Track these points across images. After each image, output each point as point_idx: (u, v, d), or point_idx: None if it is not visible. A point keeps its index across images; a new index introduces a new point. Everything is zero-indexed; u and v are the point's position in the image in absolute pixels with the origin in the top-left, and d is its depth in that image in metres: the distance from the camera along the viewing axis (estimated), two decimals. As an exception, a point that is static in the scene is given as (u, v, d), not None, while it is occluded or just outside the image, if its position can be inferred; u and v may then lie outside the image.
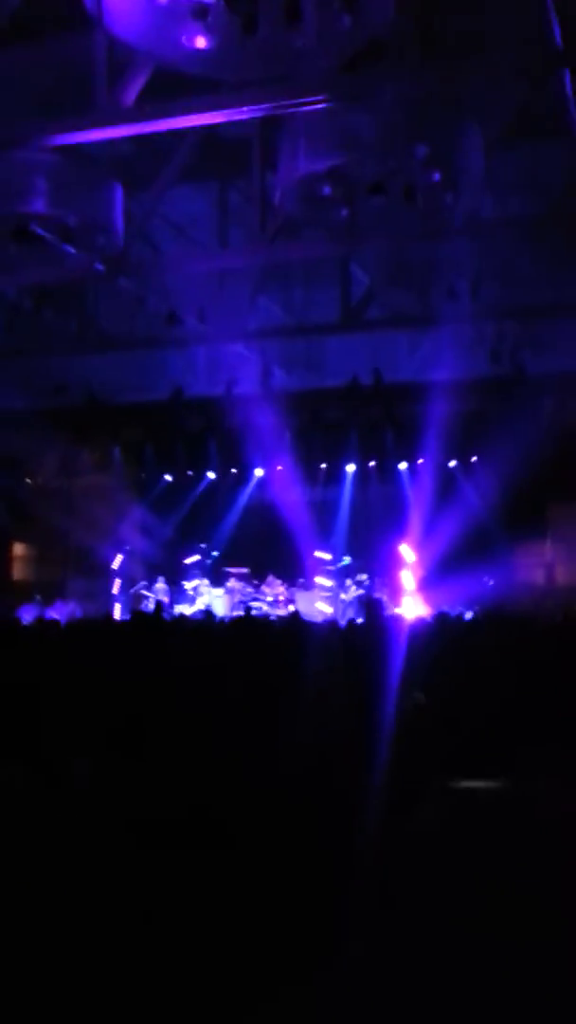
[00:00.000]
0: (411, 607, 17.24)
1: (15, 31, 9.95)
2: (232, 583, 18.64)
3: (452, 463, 17.95)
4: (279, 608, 17.54)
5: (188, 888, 4.77)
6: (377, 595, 16.60)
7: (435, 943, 4.25)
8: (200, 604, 17.90)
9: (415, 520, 17.79)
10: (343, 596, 18.05)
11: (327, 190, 11.17)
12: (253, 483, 19.45)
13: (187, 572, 19.17)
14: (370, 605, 11.07)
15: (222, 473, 19.43)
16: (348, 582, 18.26)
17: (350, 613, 16.97)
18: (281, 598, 18.14)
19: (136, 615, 10.64)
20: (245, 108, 9.40)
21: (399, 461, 18.30)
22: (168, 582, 18.82)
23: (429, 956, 4.14)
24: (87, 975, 3.99)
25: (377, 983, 3.97)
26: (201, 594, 18.56)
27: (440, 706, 7.01)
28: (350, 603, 17.80)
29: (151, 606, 16.63)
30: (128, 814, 5.52)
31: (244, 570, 18.99)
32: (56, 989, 3.88)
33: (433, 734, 6.72)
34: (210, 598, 18.25)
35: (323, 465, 18.76)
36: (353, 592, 18.06)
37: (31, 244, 11.61)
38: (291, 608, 16.63)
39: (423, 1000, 3.86)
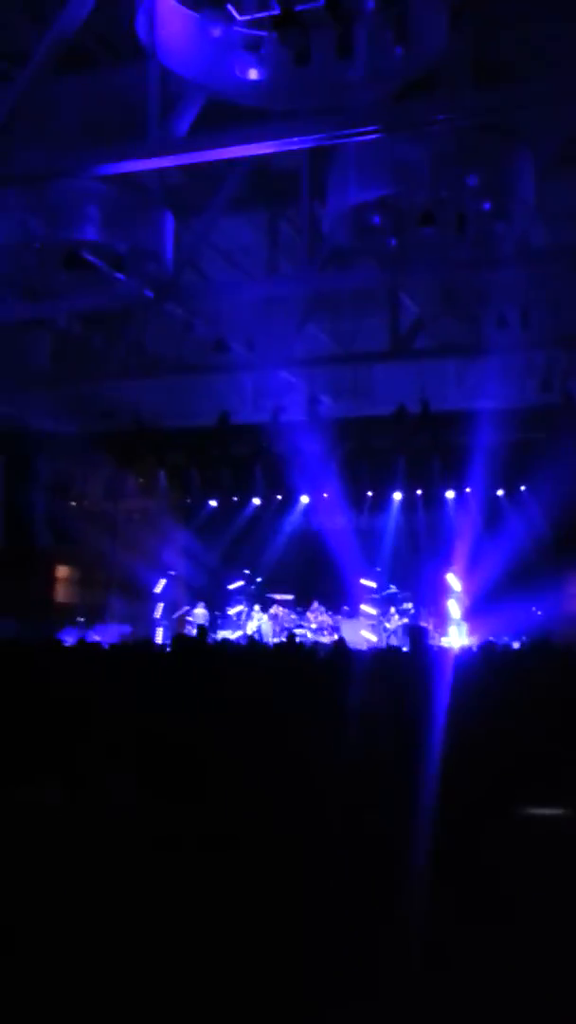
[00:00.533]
0: (456, 636, 17.10)
1: (70, 62, 10.10)
2: (276, 610, 18.60)
3: (500, 492, 17.82)
4: (323, 635, 17.47)
5: (225, 911, 4.72)
6: (422, 623, 16.47)
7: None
8: (246, 630, 17.90)
9: (461, 549, 17.65)
10: (387, 624, 17.94)
11: (377, 219, 11.20)
12: (299, 510, 19.43)
13: (231, 598, 19.16)
14: (415, 634, 10.98)
15: (267, 499, 19.43)
16: (392, 610, 18.15)
17: (394, 641, 16.85)
18: (326, 625, 18.08)
19: (179, 639, 10.65)
20: (296, 139, 9.44)
21: (446, 489, 18.19)
22: (211, 607, 18.83)
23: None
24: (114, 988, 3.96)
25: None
26: (246, 620, 18.55)
27: (486, 736, 6.91)
28: (394, 631, 17.68)
29: (194, 631, 16.63)
30: (164, 833, 5.49)
31: (289, 597, 18.95)
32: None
33: (480, 763, 6.63)
34: (254, 624, 18.23)
35: (369, 493, 18.69)
36: (397, 621, 17.95)
37: (82, 271, 11.75)
38: (335, 636, 16.55)
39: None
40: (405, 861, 5.27)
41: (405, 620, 17.79)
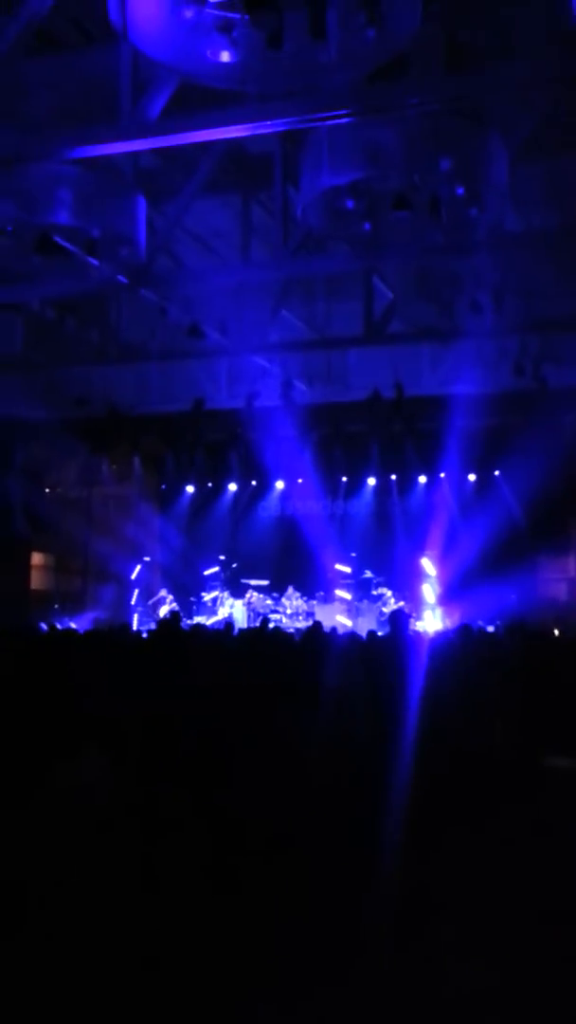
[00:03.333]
0: (431, 621, 17.18)
1: (41, 44, 10.02)
2: (251, 595, 18.62)
3: (473, 477, 17.89)
4: (298, 621, 17.51)
5: (199, 895, 4.75)
6: (401, 607, 16.54)
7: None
8: (219, 616, 17.91)
9: (436, 534, 17.73)
10: (362, 608, 18.01)
11: (350, 204, 11.17)
12: (273, 495, 19.44)
13: (206, 584, 19.17)
14: (395, 618, 11.03)
15: (242, 485, 19.43)
16: (375, 594, 18.22)
17: (371, 625, 16.91)
18: (300, 611, 18.12)
19: (163, 623, 10.64)
20: (269, 122, 9.39)
21: (420, 475, 18.25)
22: (185, 593, 18.84)
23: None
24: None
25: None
26: (220, 606, 18.56)
27: (462, 716, 6.97)
28: (369, 615, 17.75)
29: (162, 613, 16.69)
30: (142, 812, 5.52)
31: (263, 582, 18.97)
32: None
33: (454, 745, 6.68)
34: (229, 610, 18.25)
35: (344, 478, 18.72)
36: (372, 605, 18.02)
37: (55, 256, 11.66)
38: (310, 622, 16.58)
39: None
40: (380, 836, 5.32)
41: (383, 605, 17.86)
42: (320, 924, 4.48)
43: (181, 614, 16.56)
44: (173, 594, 18.96)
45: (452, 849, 5.41)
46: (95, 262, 11.98)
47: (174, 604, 18.52)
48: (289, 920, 4.53)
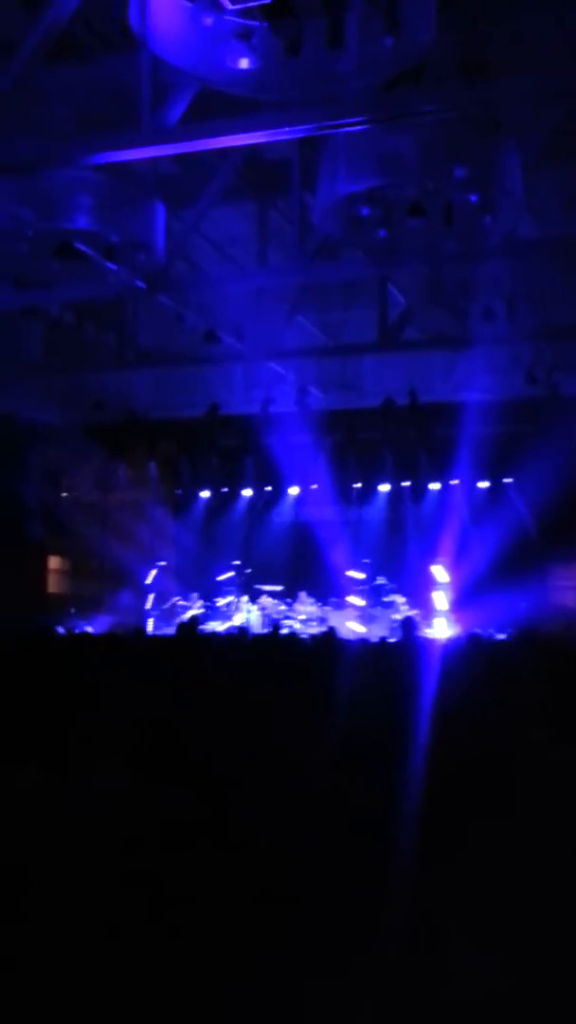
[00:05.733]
0: (443, 628, 17.20)
1: (62, 51, 10.15)
2: (264, 601, 18.67)
3: (485, 484, 17.92)
4: (311, 626, 17.54)
5: (206, 895, 4.80)
6: (412, 615, 16.57)
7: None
8: (234, 621, 17.96)
9: (448, 541, 17.76)
10: (374, 614, 18.04)
11: (365, 211, 11.28)
12: (288, 501, 19.51)
13: (220, 589, 19.23)
14: (406, 625, 11.09)
15: (257, 491, 19.50)
16: (387, 600, 18.25)
17: (383, 632, 16.94)
18: (314, 616, 18.16)
19: (181, 628, 10.71)
20: (286, 129, 9.50)
21: (433, 481, 18.29)
22: (200, 598, 18.90)
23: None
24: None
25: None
26: (235, 611, 18.62)
27: (471, 725, 7.00)
28: (382, 621, 17.77)
29: (187, 616, 16.76)
30: (152, 814, 5.57)
31: (277, 588, 19.02)
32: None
33: (465, 753, 6.72)
34: (245, 615, 18.30)
35: (357, 484, 18.77)
36: (385, 611, 18.04)
37: (73, 261, 11.79)
38: (323, 627, 16.63)
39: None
40: (392, 844, 5.36)
41: (394, 613, 17.89)
42: (324, 921, 4.52)
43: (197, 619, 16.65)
44: (186, 599, 19.02)
45: (465, 854, 5.44)
46: (113, 267, 12.11)
47: (201, 606, 18.60)
48: (294, 921, 4.58)
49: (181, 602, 18.88)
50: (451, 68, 9.75)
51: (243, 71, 9.12)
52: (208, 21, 8.64)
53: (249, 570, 19.34)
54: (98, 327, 15.81)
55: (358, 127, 9.59)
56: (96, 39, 10.73)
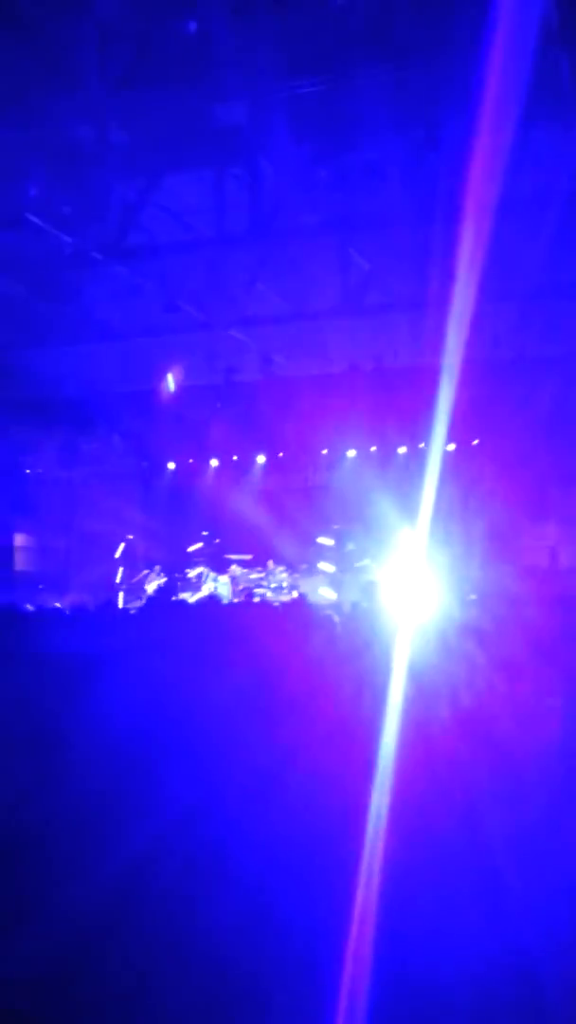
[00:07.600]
0: (413, 591, 17.21)
1: (4, 14, 9.86)
2: (234, 570, 18.63)
3: (453, 447, 17.89)
4: (283, 594, 17.53)
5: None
6: (379, 579, 16.58)
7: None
8: (204, 592, 17.91)
9: (416, 505, 17.74)
10: (345, 580, 18.04)
11: (323, 174, 11.12)
12: (255, 470, 19.43)
13: (189, 560, 19.17)
14: (370, 589, 11.09)
15: (223, 460, 19.40)
16: (357, 566, 18.26)
17: (354, 597, 16.94)
18: (284, 584, 18.14)
19: (152, 601, 10.67)
20: (239, 90, 9.34)
21: (400, 446, 18.25)
22: (170, 570, 18.83)
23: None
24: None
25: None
26: (204, 582, 18.56)
27: (445, 686, 7.00)
28: (353, 587, 17.78)
29: (149, 591, 16.70)
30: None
31: (247, 557, 18.98)
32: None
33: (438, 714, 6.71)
34: (214, 585, 18.25)
35: (324, 451, 18.72)
36: (357, 577, 18.04)
37: (24, 232, 11.56)
38: (295, 594, 16.63)
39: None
40: (365, 818, 5.35)
41: (364, 577, 17.88)
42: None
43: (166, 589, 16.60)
44: (153, 571, 18.95)
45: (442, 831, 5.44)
46: (67, 238, 11.88)
47: (163, 577, 18.53)
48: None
49: (157, 571, 18.81)
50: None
51: (192, 32, 8.92)
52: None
53: (218, 540, 19.29)
54: (53, 301, 15.52)
55: (312, 88, 9.43)
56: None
